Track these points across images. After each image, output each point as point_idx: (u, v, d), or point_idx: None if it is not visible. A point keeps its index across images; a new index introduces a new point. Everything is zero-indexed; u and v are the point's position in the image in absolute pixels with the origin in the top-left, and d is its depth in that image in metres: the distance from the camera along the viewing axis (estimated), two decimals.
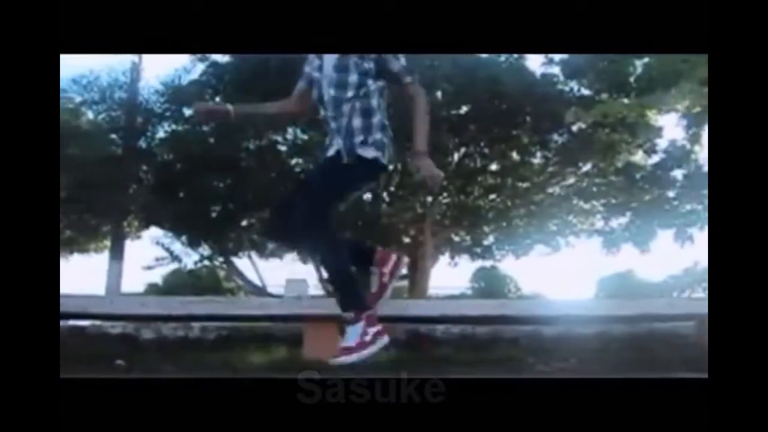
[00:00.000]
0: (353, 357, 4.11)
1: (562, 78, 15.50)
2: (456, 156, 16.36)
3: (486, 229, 18.77)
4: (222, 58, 15.56)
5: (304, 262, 18.07)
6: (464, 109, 15.46)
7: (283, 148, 16.53)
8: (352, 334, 4.15)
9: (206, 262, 17.76)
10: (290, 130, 16.10)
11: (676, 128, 15.82)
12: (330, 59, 4.33)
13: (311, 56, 4.49)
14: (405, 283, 17.64)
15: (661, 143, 16.21)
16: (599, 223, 18.33)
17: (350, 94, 4.26)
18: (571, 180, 17.22)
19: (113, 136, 16.74)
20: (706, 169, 15.39)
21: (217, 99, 15.21)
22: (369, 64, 4.30)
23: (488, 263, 19.70)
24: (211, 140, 15.15)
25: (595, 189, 17.24)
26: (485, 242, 19.49)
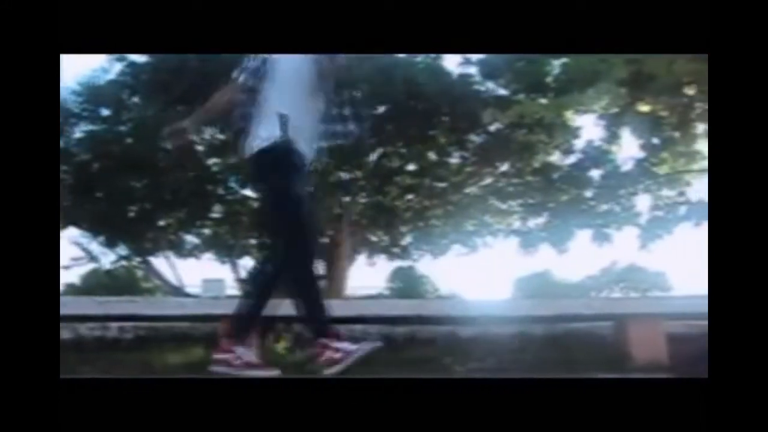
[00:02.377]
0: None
1: (479, 78, 15.59)
2: (373, 156, 16.56)
3: (403, 229, 19.00)
4: (140, 58, 15.50)
5: (222, 262, 18.44)
6: (381, 109, 15.53)
7: (200, 148, 16.39)
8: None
9: (124, 262, 17.99)
10: (208, 130, 16.09)
11: (593, 128, 16.08)
12: None
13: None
14: (322, 283, 17.81)
15: (578, 144, 16.37)
16: (516, 223, 18.53)
17: None
18: (489, 180, 17.37)
19: None
20: (623, 169, 15.71)
21: (135, 99, 15.50)
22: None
23: (406, 263, 19.99)
24: (129, 140, 15.10)
25: (512, 189, 17.41)
26: (402, 242, 19.71)
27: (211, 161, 16.58)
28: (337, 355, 4.23)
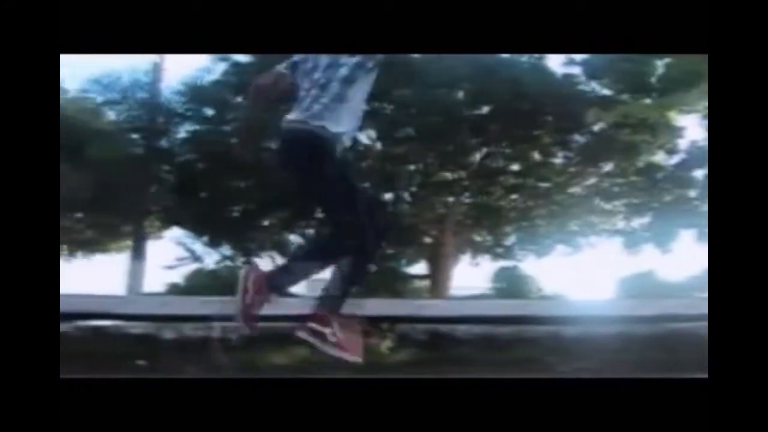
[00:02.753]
0: None
1: (583, 78, 15.52)
2: (477, 156, 16.50)
3: (507, 229, 18.96)
4: (243, 58, 15.41)
5: None
6: (486, 109, 15.55)
7: None
8: None
9: (227, 262, 17.74)
10: None
11: (697, 128, 15.75)
12: None
13: None
14: (426, 283, 17.94)
15: (682, 144, 16.15)
16: (620, 223, 18.45)
17: None
18: (593, 180, 17.32)
19: (134, 136, 16.78)
20: None
21: (239, 99, 15.33)
22: None
23: (510, 263, 19.86)
24: (233, 140, 15.05)
25: (616, 189, 17.33)
26: (506, 242, 19.66)
27: None
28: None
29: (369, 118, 14.85)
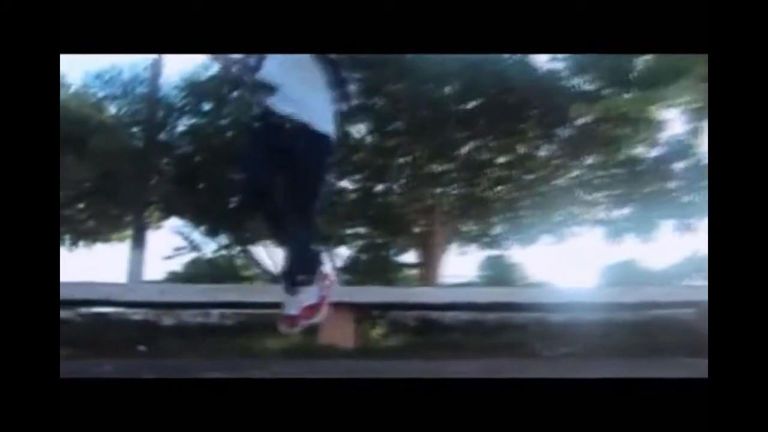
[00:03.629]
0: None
1: (566, 74, 15.73)
2: (465, 149, 16.76)
3: (494, 219, 19.22)
4: (239, 58, 15.46)
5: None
6: (473, 104, 15.77)
7: None
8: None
9: (224, 251, 18.31)
10: None
11: (676, 123, 16.06)
12: None
13: None
14: (416, 271, 18.34)
15: (662, 137, 16.41)
16: (602, 214, 18.65)
17: None
18: (576, 172, 17.51)
19: (135, 129, 17.14)
20: (705, 161, 15.54)
21: (235, 94, 15.71)
22: None
23: (496, 252, 20.23)
24: (229, 133, 15.43)
25: (598, 181, 17.53)
26: (493, 232, 19.92)
27: None
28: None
29: (361, 113, 15.27)
